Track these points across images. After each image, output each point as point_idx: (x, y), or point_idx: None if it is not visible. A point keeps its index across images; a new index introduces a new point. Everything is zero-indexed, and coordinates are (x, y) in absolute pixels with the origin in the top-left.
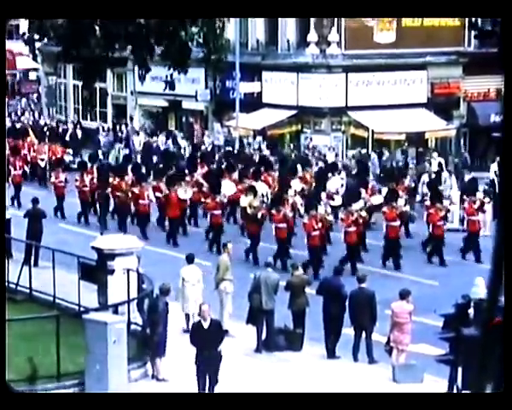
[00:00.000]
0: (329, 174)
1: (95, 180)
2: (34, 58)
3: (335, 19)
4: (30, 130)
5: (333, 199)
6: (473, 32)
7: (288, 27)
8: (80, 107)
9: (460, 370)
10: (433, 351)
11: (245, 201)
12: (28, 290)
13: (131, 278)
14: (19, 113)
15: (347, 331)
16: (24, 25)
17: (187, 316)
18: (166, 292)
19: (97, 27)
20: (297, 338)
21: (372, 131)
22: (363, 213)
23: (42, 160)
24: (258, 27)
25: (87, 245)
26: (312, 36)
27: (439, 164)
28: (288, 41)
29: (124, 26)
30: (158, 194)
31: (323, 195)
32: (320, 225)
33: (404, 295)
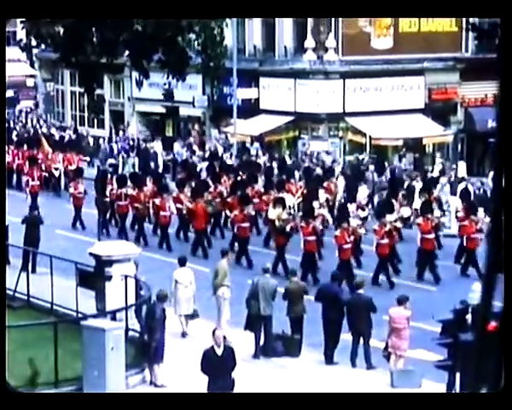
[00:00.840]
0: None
1: (114, 191)
2: (31, 64)
3: (333, 25)
4: (43, 139)
5: (363, 209)
6: (471, 39)
7: (286, 33)
8: (78, 113)
9: (458, 375)
10: (431, 357)
11: (273, 213)
12: (26, 297)
13: (129, 285)
14: (23, 120)
15: (345, 337)
16: (21, 31)
17: (180, 317)
18: (164, 298)
19: (95, 34)
20: (295, 344)
21: (370, 136)
22: (399, 224)
23: (56, 169)
24: (255, 33)
25: (85, 251)
26: (309, 42)
27: (441, 169)
28: (285, 47)
29: (121, 32)
30: (179, 205)
31: (353, 206)
32: (352, 238)
33: (401, 300)
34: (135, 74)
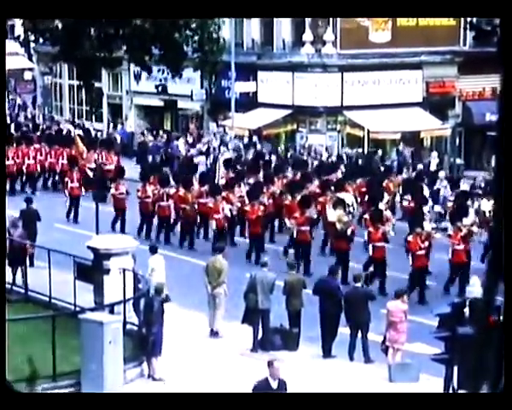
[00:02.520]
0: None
1: (156, 191)
2: (29, 58)
3: (331, 19)
4: (77, 137)
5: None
6: (469, 33)
7: (284, 27)
8: (76, 107)
9: (455, 369)
10: (428, 350)
11: (333, 215)
12: (24, 291)
13: (127, 278)
14: (29, 114)
15: (344, 331)
16: (19, 25)
17: None
18: (162, 292)
19: (93, 28)
20: (293, 338)
21: (368, 130)
22: (475, 229)
23: (91, 169)
24: (253, 27)
25: (83, 245)
26: (308, 35)
27: (438, 164)
28: (283, 41)
29: (119, 27)
30: (229, 206)
31: (425, 209)
32: (426, 243)
33: (399, 294)
34: (133, 68)
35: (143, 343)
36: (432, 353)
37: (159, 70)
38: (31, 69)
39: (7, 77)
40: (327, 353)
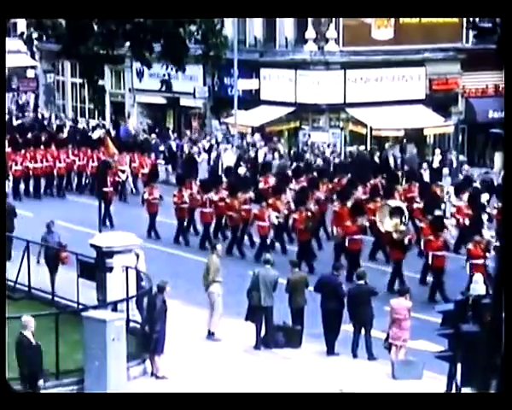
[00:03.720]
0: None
1: (194, 196)
2: (32, 55)
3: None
4: (108, 138)
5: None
6: (471, 32)
7: (286, 24)
8: (79, 104)
9: (459, 366)
10: (432, 347)
11: (389, 224)
12: (27, 288)
13: (130, 276)
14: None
15: (347, 328)
16: (22, 23)
17: None
18: (164, 290)
19: (96, 25)
20: (296, 335)
21: (370, 127)
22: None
23: (123, 172)
24: (256, 24)
25: (85, 243)
26: (310, 33)
27: (440, 161)
28: (285, 38)
29: (122, 23)
30: (276, 214)
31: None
32: (491, 253)
33: (402, 291)
34: (136, 65)
35: (146, 341)
36: (435, 350)
37: (162, 65)
38: (33, 67)
39: (9, 74)
40: (330, 350)
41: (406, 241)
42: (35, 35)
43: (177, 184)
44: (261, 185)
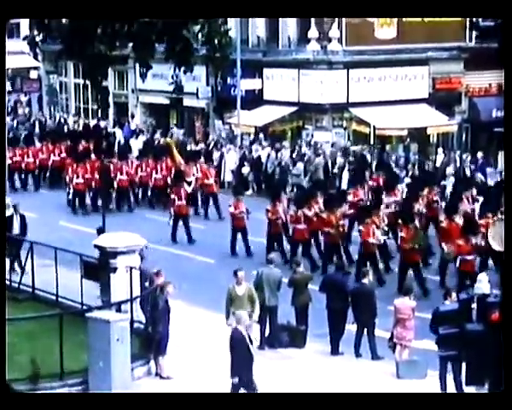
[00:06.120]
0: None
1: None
2: (35, 57)
3: None
4: (174, 147)
5: None
6: (474, 32)
7: (289, 24)
8: (82, 105)
9: (464, 365)
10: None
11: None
12: (31, 289)
13: (134, 276)
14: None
15: (351, 328)
16: (25, 25)
17: None
18: (166, 290)
19: (99, 25)
20: (300, 335)
21: (374, 126)
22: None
23: (189, 183)
24: (258, 24)
25: (89, 243)
26: (313, 32)
27: (443, 160)
28: (288, 38)
29: (126, 24)
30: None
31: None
32: None
33: (406, 291)
34: (138, 66)
35: (149, 342)
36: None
37: (170, 67)
38: (36, 68)
39: (12, 76)
40: (334, 349)
41: None
42: (38, 38)
43: (272, 198)
44: (350, 198)
